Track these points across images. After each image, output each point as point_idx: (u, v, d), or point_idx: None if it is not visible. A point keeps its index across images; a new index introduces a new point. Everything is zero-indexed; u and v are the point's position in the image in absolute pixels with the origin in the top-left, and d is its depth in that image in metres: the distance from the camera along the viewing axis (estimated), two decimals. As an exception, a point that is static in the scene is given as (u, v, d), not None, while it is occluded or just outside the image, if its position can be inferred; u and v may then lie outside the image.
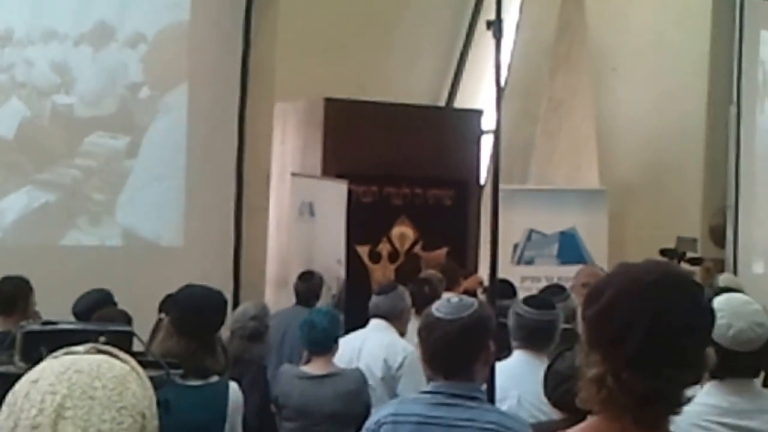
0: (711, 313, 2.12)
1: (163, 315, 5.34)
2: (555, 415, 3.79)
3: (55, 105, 7.33)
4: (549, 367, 3.85)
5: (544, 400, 4.52)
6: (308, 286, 8.09)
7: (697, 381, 2.08)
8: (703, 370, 2.09)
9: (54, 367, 1.74)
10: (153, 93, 7.76)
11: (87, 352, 1.80)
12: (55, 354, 1.80)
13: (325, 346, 5.67)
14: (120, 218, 7.50)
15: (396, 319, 6.38)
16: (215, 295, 4.45)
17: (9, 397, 1.73)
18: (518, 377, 4.73)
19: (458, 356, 3.47)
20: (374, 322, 6.38)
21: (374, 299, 6.49)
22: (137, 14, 7.61)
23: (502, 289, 6.24)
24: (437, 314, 3.47)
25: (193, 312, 4.31)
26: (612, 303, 2.06)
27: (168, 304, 5.26)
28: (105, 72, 7.55)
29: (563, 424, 3.53)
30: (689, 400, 2.07)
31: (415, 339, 6.16)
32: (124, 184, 7.54)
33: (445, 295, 3.69)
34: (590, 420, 2.11)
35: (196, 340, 4.23)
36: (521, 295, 7.01)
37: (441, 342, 3.44)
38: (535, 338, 5.00)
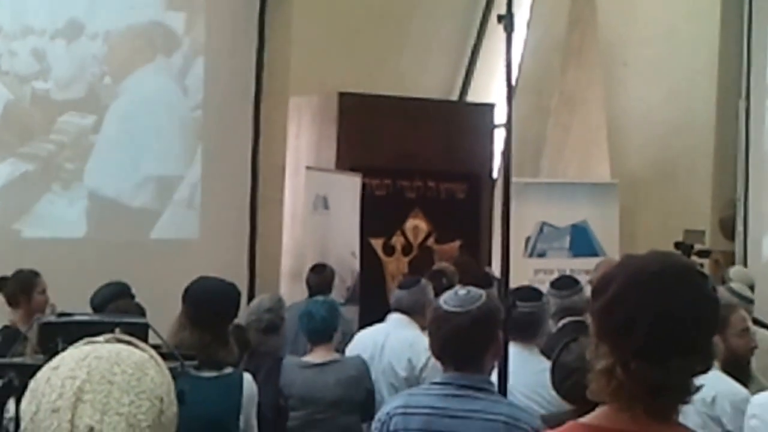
0: (716, 302, 2.13)
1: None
2: (562, 406, 3.83)
3: (35, 89, 8.48)
4: (555, 360, 3.87)
5: (537, 390, 4.60)
6: (320, 278, 8.11)
7: (705, 370, 2.09)
8: (711, 359, 2.11)
9: (74, 355, 1.79)
10: (115, 79, 8.79)
11: (107, 341, 1.85)
12: (76, 344, 1.85)
13: (325, 335, 5.73)
14: (87, 183, 8.67)
15: (418, 314, 6.11)
16: (228, 287, 4.47)
17: (32, 384, 1.78)
18: (509, 368, 4.78)
19: (468, 348, 3.49)
20: (395, 317, 6.26)
21: (397, 293, 6.38)
22: (103, 13, 8.74)
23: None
24: (446, 307, 3.48)
25: (206, 304, 4.34)
26: (618, 295, 2.07)
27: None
28: (76, 61, 8.61)
29: (574, 416, 3.62)
30: (698, 389, 2.08)
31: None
32: (89, 155, 8.67)
33: (453, 289, 3.69)
34: (601, 410, 2.12)
35: (209, 331, 4.26)
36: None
37: (451, 334, 3.45)
38: (522, 330, 5.04)
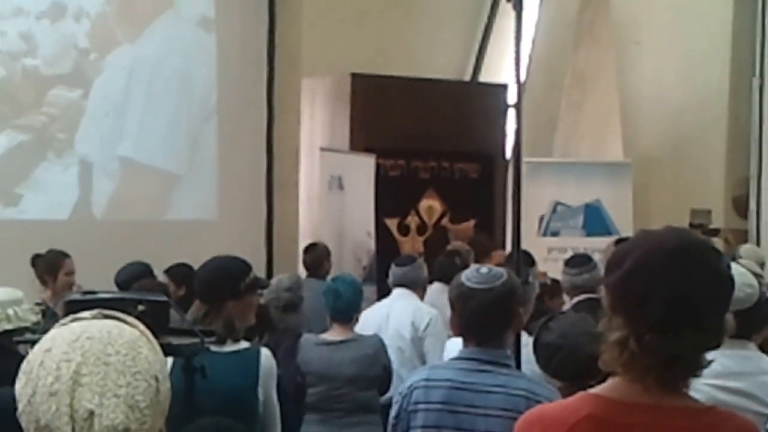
0: (730, 280, 2.16)
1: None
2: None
3: (24, 66, 8.79)
4: (536, 341, 3.90)
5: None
6: (312, 257, 8.23)
7: (717, 345, 2.11)
8: (722, 335, 2.13)
9: (65, 335, 1.75)
10: (96, 55, 9.04)
11: (93, 317, 1.81)
12: (63, 321, 1.83)
13: (348, 315, 5.80)
14: (77, 150, 8.98)
15: (419, 288, 6.82)
16: (228, 263, 4.47)
17: (24, 366, 1.75)
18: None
19: (493, 324, 3.53)
20: (398, 291, 6.73)
21: (398, 270, 6.80)
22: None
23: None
24: (470, 284, 3.51)
25: (203, 279, 4.39)
26: (633, 269, 2.10)
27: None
28: (60, 39, 8.93)
29: (566, 391, 3.68)
30: (709, 363, 2.11)
31: (435, 303, 6.54)
32: (79, 125, 8.99)
33: (473, 266, 3.74)
34: (612, 381, 2.17)
35: (206, 305, 4.31)
36: (543, 266, 7.16)
37: (477, 311, 3.48)
38: None
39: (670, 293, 2.06)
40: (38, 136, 8.79)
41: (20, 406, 1.73)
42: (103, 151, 8.99)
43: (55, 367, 1.70)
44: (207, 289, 4.35)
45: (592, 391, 2.20)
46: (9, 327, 4.49)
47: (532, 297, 5.59)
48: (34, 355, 1.75)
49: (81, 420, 1.67)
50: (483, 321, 3.51)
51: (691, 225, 9.51)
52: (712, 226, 9.79)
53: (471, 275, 3.56)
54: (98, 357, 1.71)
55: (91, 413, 1.68)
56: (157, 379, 1.76)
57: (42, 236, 7.63)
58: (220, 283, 4.33)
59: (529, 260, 7.18)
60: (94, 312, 1.82)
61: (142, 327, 1.83)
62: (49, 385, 1.69)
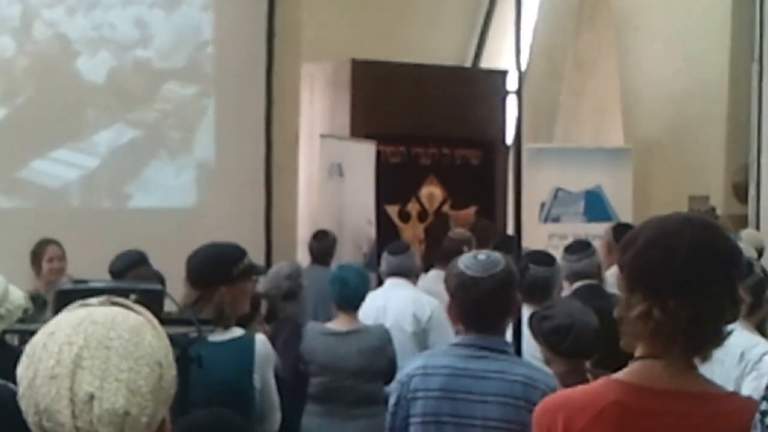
0: (739, 250, 2.22)
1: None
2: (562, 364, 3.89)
3: (136, 57, 8.86)
4: (540, 330, 3.91)
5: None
6: (323, 245, 8.17)
7: (733, 318, 2.18)
8: (739, 306, 2.19)
9: (70, 320, 1.76)
10: (217, 49, 9.17)
11: (101, 304, 1.81)
12: (69, 307, 1.82)
13: (355, 304, 5.77)
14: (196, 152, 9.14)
15: (413, 276, 6.70)
16: (221, 248, 4.41)
17: (27, 349, 1.75)
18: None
19: (493, 312, 3.53)
20: (393, 281, 6.54)
21: (393, 259, 6.62)
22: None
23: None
24: (470, 273, 3.49)
25: (193, 265, 4.31)
26: (647, 242, 2.16)
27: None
28: (175, 30, 9.03)
29: (567, 373, 3.68)
30: (729, 333, 2.17)
31: (432, 289, 6.45)
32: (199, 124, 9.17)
33: (469, 253, 3.71)
34: (635, 365, 2.20)
35: (196, 291, 4.23)
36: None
37: (479, 300, 3.47)
38: (536, 293, 5.18)
39: (687, 256, 2.12)
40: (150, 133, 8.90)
41: (21, 390, 1.72)
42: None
43: (57, 351, 1.69)
44: (198, 275, 4.26)
45: (614, 376, 2.22)
46: (3, 326, 4.43)
47: (557, 282, 5.58)
48: (38, 338, 1.74)
49: (81, 403, 1.67)
50: (484, 309, 3.51)
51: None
52: (710, 213, 9.77)
53: (470, 263, 3.53)
54: (100, 341, 1.70)
55: (91, 396, 1.67)
56: (160, 365, 1.75)
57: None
58: (212, 269, 4.25)
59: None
60: (102, 299, 1.82)
61: (148, 315, 1.82)
62: (50, 368, 1.68)
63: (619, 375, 2.21)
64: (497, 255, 3.62)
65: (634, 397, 2.16)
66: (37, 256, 6.70)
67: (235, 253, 4.35)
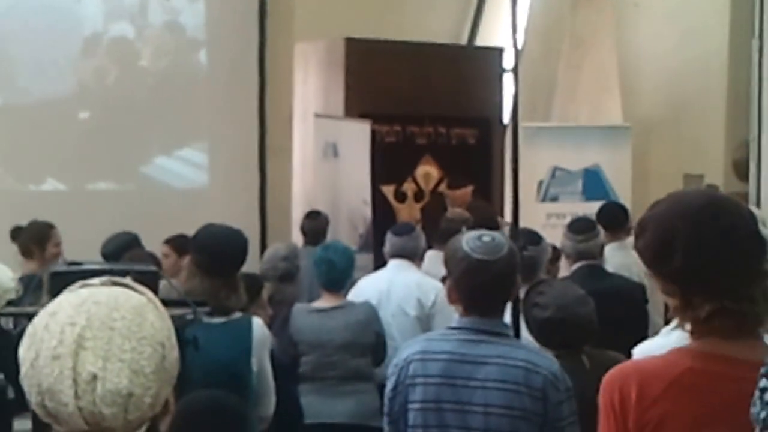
0: (753, 216, 2.25)
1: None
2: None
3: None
4: (530, 318, 3.91)
5: None
6: (315, 224, 8.11)
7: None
8: None
9: (71, 300, 1.76)
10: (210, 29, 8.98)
11: (103, 284, 1.82)
12: (71, 288, 1.81)
13: (342, 284, 5.80)
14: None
15: (418, 258, 6.47)
16: (236, 234, 4.44)
17: (29, 329, 1.76)
18: None
19: (498, 295, 3.49)
20: (397, 262, 6.36)
21: (396, 240, 6.43)
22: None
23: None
24: (476, 256, 3.41)
25: (215, 250, 4.31)
26: (692, 247, 2.17)
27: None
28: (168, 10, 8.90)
29: (565, 359, 3.62)
30: None
31: (432, 271, 6.38)
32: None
33: (471, 233, 3.62)
34: (701, 340, 2.22)
35: (219, 278, 4.24)
36: (542, 232, 7.05)
37: (486, 283, 3.42)
38: (524, 273, 5.11)
39: (736, 254, 2.17)
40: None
41: (23, 370, 1.72)
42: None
43: (59, 331, 1.70)
44: (219, 262, 4.28)
45: (687, 346, 2.25)
46: None
47: (543, 260, 5.54)
48: (40, 318, 1.75)
49: (84, 383, 1.67)
50: (490, 293, 3.46)
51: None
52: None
53: (474, 245, 3.44)
54: (103, 321, 1.71)
55: (94, 377, 1.67)
56: (163, 346, 1.76)
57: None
58: (234, 255, 4.32)
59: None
60: (104, 279, 1.83)
61: (150, 294, 1.83)
62: (52, 349, 1.69)
63: (691, 344, 2.24)
64: (501, 236, 3.55)
65: (710, 364, 2.19)
66: (43, 239, 6.57)
67: (244, 237, 4.37)
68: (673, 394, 2.18)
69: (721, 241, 2.16)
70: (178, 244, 6.53)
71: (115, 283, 1.83)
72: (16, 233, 6.69)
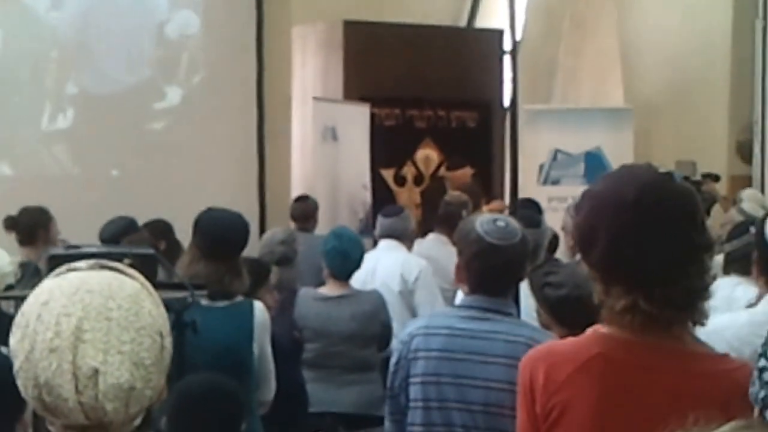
0: (695, 201, 2.15)
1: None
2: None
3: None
4: (544, 297, 3.87)
5: (532, 314, 4.58)
6: (304, 207, 8.11)
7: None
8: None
9: (63, 287, 1.70)
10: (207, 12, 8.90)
11: (90, 268, 1.76)
12: (57, 271, 1.75)
13: (351, 273, 5.73)
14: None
15: (407, 239, 6.71)
16: (237, 218, 4.46)
17: (19, 319, 1.70)
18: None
19: (509, 279, 3.52)
20: (387, 243, 6.59)
21: (385, 221, 6.67)
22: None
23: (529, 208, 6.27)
24: (490, 239, 3.41)
25: (217, 235, 4.32)
26: (615, 239, 2.09)
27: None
28: None
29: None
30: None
31: (432, 254, 6.48)
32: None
33: (485, 216, 3.64)
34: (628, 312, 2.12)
35: (223, 262, 4.25)
36: (547, 215, 7.01)
37: (498, 267, 3.42)
38: None
39: (660, 247, 2.07)
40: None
41: (17, 363, 1.67)
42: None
43: (54, 322, 1.64)
44: (221, 246, 4.29)
45: (602, 329, 2.18)
46: None
47: (544, 243, 5.53)
48: (30, 306, 1.69)
49: (84, 378, 1.63)
50: (501, 276, 3.47)
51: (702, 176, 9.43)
52: (697, 178, 9.65)
53: (489, 229, 3.44)
54: (100, 312, 1.66)
55: (96, 371, 1.63)
56: (161, 335, 1.73)
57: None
58: (237, 239, 4.34)
59: (536, 207, 7.08)
60: (91, 262, 1.77)
61: (142, 279, 1.78)
62: (48, 341, 1.63)
63: (606, 327, 2.17)
64: (514, 222, 3.56)
65: (620, 351, 2.13)
66: (45, 226, 6.51)
67: (244, 220, 4.45)
68: (579, 380, 2.12)
69: (644, 238, 2.07)
70: (155, 228, 6.60)
71: (102, 266, 1.76)
72: (10, 222, 6.62)
